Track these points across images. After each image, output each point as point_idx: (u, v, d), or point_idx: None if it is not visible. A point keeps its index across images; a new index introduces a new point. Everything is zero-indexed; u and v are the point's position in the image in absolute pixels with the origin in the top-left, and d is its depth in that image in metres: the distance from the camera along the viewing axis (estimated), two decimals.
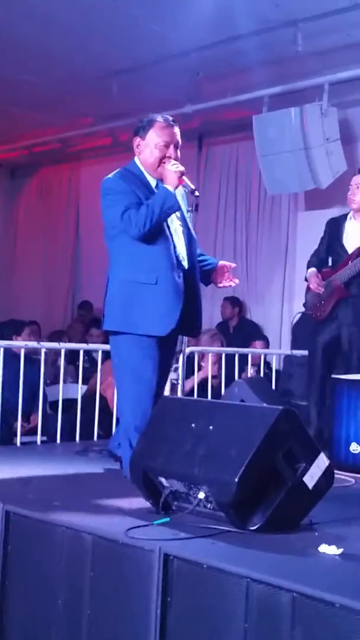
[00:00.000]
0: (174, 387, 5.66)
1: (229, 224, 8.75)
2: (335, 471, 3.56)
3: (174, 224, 3.74)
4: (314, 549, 2.58)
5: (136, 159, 3.81)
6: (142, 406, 3.62)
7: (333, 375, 4.83)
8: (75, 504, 3.10)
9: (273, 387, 6.33)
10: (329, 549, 2.57)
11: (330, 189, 7.10)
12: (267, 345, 7.78)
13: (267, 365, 6.74)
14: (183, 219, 3.79)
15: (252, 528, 2.79)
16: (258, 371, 6.44)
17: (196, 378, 6.14)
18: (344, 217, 5.11)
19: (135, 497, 3.14)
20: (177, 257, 3.70)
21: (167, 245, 3.68)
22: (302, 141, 6.93)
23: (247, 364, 6.25)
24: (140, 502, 3.09)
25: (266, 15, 6.01)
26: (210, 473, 2.85)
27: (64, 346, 5.30)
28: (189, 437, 3.02)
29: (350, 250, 4.98)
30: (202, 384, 6.05)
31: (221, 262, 4.00)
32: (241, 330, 8.20)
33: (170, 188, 3.61)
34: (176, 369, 5.61)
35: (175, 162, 3.68)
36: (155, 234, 3.63)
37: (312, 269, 5.22)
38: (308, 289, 5.21)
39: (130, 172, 3.78)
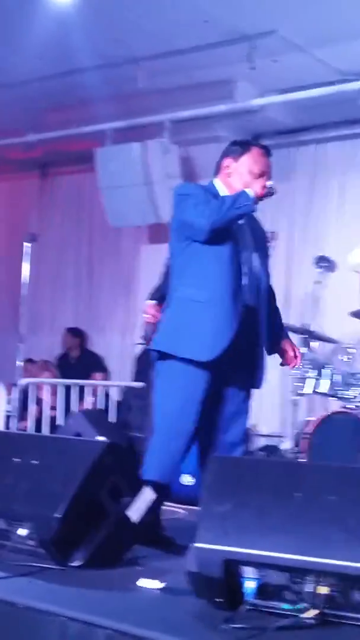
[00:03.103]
0: (8, 420, 5.53)
1: (71, 254, 8.71)
2: (166, 503, 3.59)
3: (245, 254, 3.44)
4: (134, 584, 2.56)
5: (217, 181, 3.50)
6: (178, 431, 3.33)
7: None
8: None
9: (114, 419, 6.31)
10: (150, 583, 2.57)
11: None
12: (107, 377, 7.76)
13: (108, 396, 6.70)
14: (260, 256, 3.50)
15: (74, 564, 2.75)
16: (95, 403, 6.39)
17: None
18: None
19: None
20: (241, 287, 3.39)
21: (233, 272, 3.38)
22: (144, 176, 7.02)
23: (86, 395, 6.20)
24: None
25: (107, 51, 6.06)
26: (32, 509, 2.79)
27: None
28: (11, 472, 2.95)
29: None
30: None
31: (285, 344, 3.68)
32: (82, 361, 8.14)
33: (249, 191, 3.33)
34: (9, 401, 5.49)
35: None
36: (222, 256, 3.36)
37: (151, 301, 5.26)
38: (147, 321, 5.25)
39: (205, 188, 3.48)
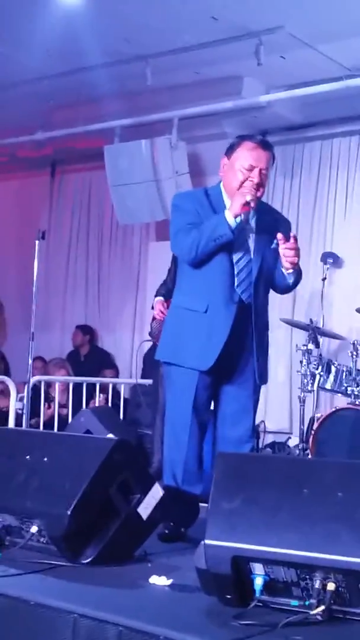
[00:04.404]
0: (19, 418, 5.56)
1: (81, 252, 8.74)
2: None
3: (240, 252, 3.41)
4: (144, 581, 2.59)
5: (221, 183, 3.50)
6: (176, 439, 3.42)
7: None
8: None
9: (122, 416, 6.34)
10: (159, 580, 2.59)
11: None
12: (117, 374, 7.80)
13: (117, 394, 6.75)
14: (259, 248, 3.43)
15: (85, 561, 2.77)
16: (107, 400, 6.43)
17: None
18: None
19: None
20: (233, 288, 3.38)
21: (224, 274, 3.37)
22: (152, 173, 7.04)
23: (96, 393, 6.24)
24: None
25: (116, 48, 6.09)
26: (43, 506, 2.81)
27: None
28: (22, 470, 2.97)
29: None
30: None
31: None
32: (92, 358, 8.18)
33: (228, 215, 3.30)
34: (21, 399, 5.53)
35: (248, 188, 3.32)
36: (212, 260, 3.37)
37: (159, 298, 5.29)
38: (153, 317, 5.28)
39: (206, 192, 3.49)
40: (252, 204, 3.33)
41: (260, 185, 3.38)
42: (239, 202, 3.30)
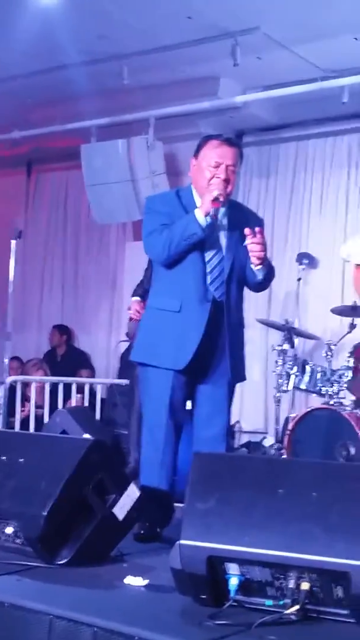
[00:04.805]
0: None
1: (57, 251, 8.71)
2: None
3: (211, 250, 3.42)
4: (120, 581, 2.59)
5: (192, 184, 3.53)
6: (153, 439, 3.43)
7: None
8: None
9: (99, 416, 6.33)
10: (134, 581, 2.59)
11: None
12: (92, 374, 7.79)
13: (94, 394, 6.73)
14: (231, 245, 3.46)
15: (61, 562, 2.77)
16: (83, 400, 6.41)
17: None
18: None
19: None
20: (206, 287, 3.41)
21: (196, 273, 3.40)
22: (129, 172, 7.03)
23: (73, 393, 6.22)
24: None
25: (92, 47, 6.08)
26: (19, 507, 2.81)
27: None
28: None
29: None
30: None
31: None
32: (69, 358, 8.16)
33: (199, 213, 3.33)
34: None
35: (216, 184, 3.34)
36: (185, 260, 3.39)
37: (135, 298, 5.29)
38: (130, 317, 5.28)
39: (177, 193, 3.53)
40: (221, 199, 3.35)
41: (227, 182, 3.40)
42: (207, 199, 3.34)
